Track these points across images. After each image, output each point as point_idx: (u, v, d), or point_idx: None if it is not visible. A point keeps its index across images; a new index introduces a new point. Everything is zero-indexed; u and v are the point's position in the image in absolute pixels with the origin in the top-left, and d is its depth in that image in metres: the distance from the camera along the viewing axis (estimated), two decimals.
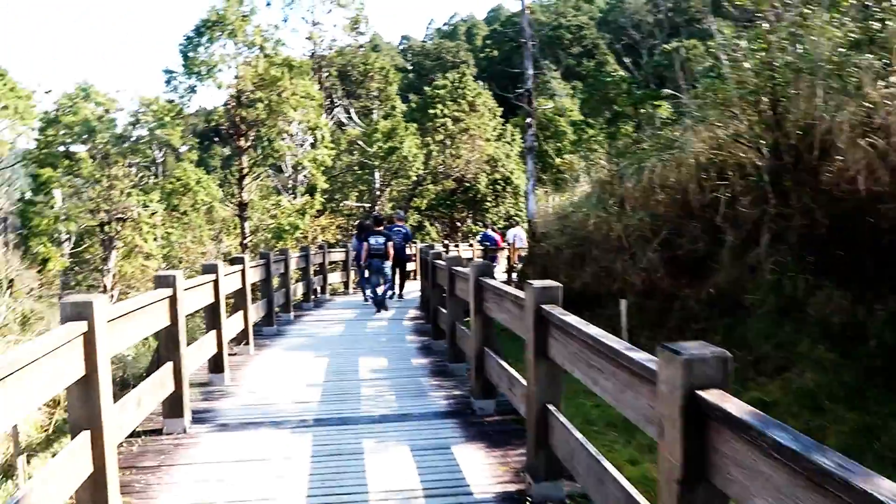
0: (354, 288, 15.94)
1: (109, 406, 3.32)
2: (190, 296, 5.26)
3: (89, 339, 3.17)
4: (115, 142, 14.29)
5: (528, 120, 12.66)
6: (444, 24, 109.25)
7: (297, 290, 12.03)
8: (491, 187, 28.34)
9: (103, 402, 3.23)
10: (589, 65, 62.09)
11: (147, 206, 14.59)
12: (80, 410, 3.20)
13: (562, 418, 3.29)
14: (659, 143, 8.10)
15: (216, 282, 6.18)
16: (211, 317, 6.28)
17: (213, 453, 4.37)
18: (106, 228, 14.61)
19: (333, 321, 10.77)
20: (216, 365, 6.27)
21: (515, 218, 29.20)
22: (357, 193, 28.92)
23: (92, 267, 15.39)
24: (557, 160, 23.37)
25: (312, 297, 12.96)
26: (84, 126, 13.75)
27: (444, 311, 7.48)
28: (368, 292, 11.79)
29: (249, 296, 7.88)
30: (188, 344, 5.17)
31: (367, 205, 28.84)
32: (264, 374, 6.82)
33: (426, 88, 28.14)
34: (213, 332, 6.17)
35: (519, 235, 18.78)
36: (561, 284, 3.58)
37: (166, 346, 4.74)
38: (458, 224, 31.67)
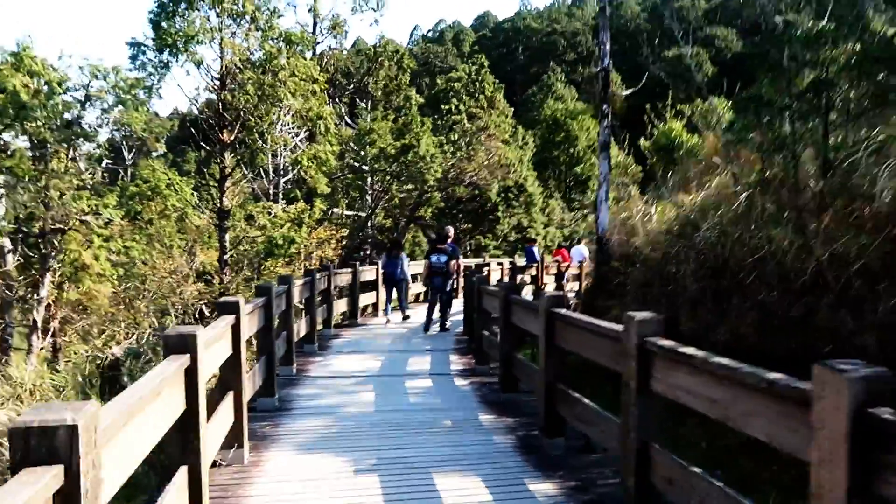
0: (363, 315, 12.93)
1: None
2: (132, 433, 2.17)
3: None
4: (55, 126, 10.85)
5: (605, 107, 9.69)
6: (430, 31, 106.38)
7: (301, 328, 8.94)
8: (502, 195, 25.26)
9: None
10: (584, 72, 59.94)
11: (99, 214, 11.22)
12: None
13: None
14: None
15: (191, 370, 3.09)
16: (180, 442, 3.15)
17: None
18: (39, 241, 11.15)
19: (354, 378, 7.67)
20: None
21: (529, 235, 26.21)
22: (348, 201, 25.73)
23: (16, 295, 11.76)
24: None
25: (316, 335, 9.85)
26: (13, 103, 10.33)
27: (597, 409, 4.40)
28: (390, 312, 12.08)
29: (245, 366, 4.76)
30: None
31: (361, 213, 25.71)
32: None
33: (438, 80, 25.07)
34: (184, 471, 3.06)
35: (583, 253, 15.95)
36: None
37: None
38: (461, 237, 28.60)
